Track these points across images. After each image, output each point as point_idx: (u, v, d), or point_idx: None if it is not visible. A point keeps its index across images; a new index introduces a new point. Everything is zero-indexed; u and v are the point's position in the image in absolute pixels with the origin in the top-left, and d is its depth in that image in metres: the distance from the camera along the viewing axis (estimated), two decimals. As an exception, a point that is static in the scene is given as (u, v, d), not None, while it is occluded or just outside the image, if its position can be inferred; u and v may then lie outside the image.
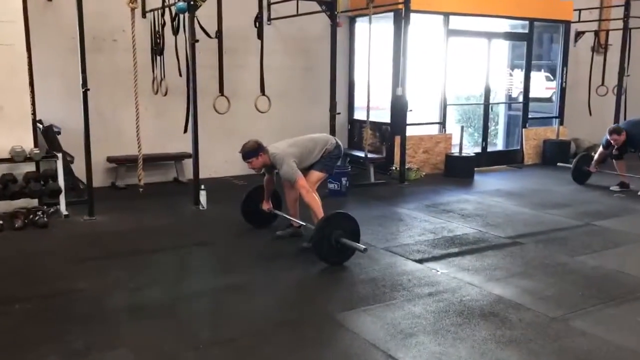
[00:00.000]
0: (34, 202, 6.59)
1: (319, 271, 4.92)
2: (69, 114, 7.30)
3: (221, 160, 8.90)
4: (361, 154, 8.67)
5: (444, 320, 3.95)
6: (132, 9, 6.31)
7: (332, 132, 7.80)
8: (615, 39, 10.77)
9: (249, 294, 4.42)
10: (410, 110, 8.78)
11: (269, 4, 8.84)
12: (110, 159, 8.01)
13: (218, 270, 4.96)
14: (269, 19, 8.93)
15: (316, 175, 5.52)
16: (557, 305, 4.23)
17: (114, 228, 6.13)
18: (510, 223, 6.49)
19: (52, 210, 6.58)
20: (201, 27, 6.83)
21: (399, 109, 8.80)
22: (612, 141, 7.95)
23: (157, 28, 7.57)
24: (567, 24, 10.73)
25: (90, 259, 5.14)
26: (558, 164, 9.75)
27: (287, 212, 5.88)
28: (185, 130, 7.16)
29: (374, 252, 5.40)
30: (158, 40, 7.59)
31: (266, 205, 5.94)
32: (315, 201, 5.22)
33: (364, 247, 4.82)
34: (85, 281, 4.58)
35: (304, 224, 5.56)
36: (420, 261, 5.17)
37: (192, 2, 6.62)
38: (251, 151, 5.36)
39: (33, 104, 6.63)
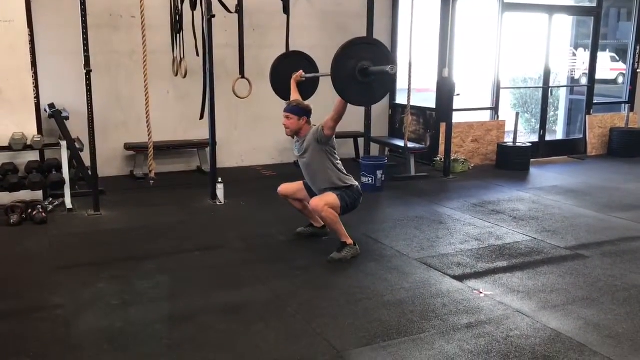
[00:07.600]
0: (39, 194, 6.08)
1: (336, 287, 4.14)
2: (84, 96, 6.70)
3: (249, 147, 8.20)
4: (401, 143, 7.79)
5: (483, 366, 3.13)
6: (140, -20, 5.62)
7: (367, 118, 6.96)
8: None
9: (246, 319, 3.64)
10: (458, 95, 7.82)
11: (302, -25, 8.05)
12: (127, 146, 7.41)
13: (218, 284, 4.19)
14: (302, -7, 8.14)
15: (332, 197, 4.59)
16: (633, 348, 3.32)
17: (118, 226, 5.51)
18: (571, 229, 5.54)
19: (56, 203, 6.04)
20: (219, 1, 6.09)
21: (445, 92, 7.87)
22: None
23: (176, 3, 6.86)
24: (642, -4, 9.47)
25: (80, 265, 4.52)
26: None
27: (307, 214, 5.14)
28: (202, 117, 6.43)
29: (406, 264, 4.58)
30: (177, 17, 6.87)
31: (297, 74, 5.24)
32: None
33: (390, 66, 4.00)
34: (63, 295, 3.95)
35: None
36: (460, 278, 4.32)
37: (208, -28, 5.89)
38: (299, 108, 4.64)
39: (36, 86, 6.07)
